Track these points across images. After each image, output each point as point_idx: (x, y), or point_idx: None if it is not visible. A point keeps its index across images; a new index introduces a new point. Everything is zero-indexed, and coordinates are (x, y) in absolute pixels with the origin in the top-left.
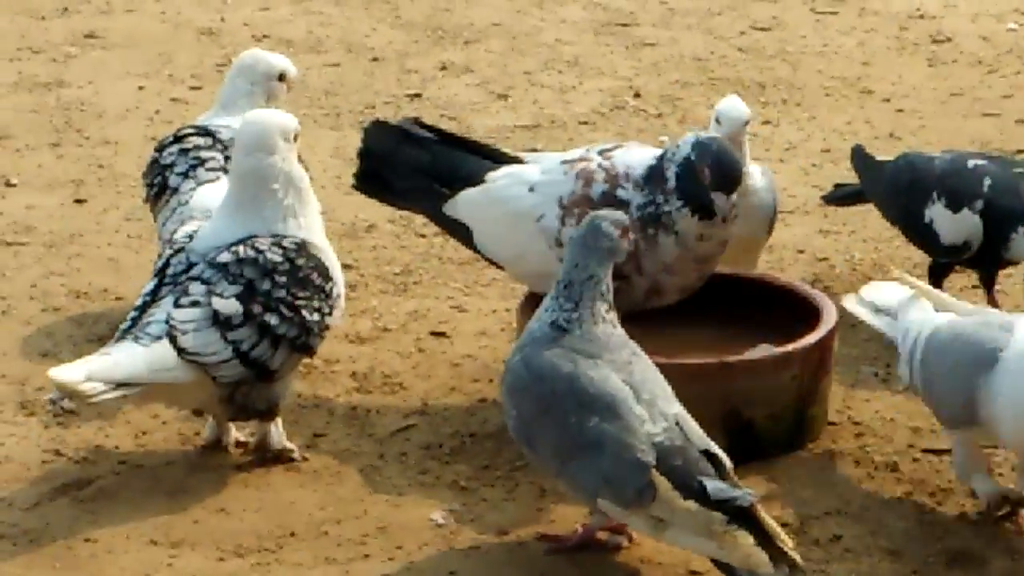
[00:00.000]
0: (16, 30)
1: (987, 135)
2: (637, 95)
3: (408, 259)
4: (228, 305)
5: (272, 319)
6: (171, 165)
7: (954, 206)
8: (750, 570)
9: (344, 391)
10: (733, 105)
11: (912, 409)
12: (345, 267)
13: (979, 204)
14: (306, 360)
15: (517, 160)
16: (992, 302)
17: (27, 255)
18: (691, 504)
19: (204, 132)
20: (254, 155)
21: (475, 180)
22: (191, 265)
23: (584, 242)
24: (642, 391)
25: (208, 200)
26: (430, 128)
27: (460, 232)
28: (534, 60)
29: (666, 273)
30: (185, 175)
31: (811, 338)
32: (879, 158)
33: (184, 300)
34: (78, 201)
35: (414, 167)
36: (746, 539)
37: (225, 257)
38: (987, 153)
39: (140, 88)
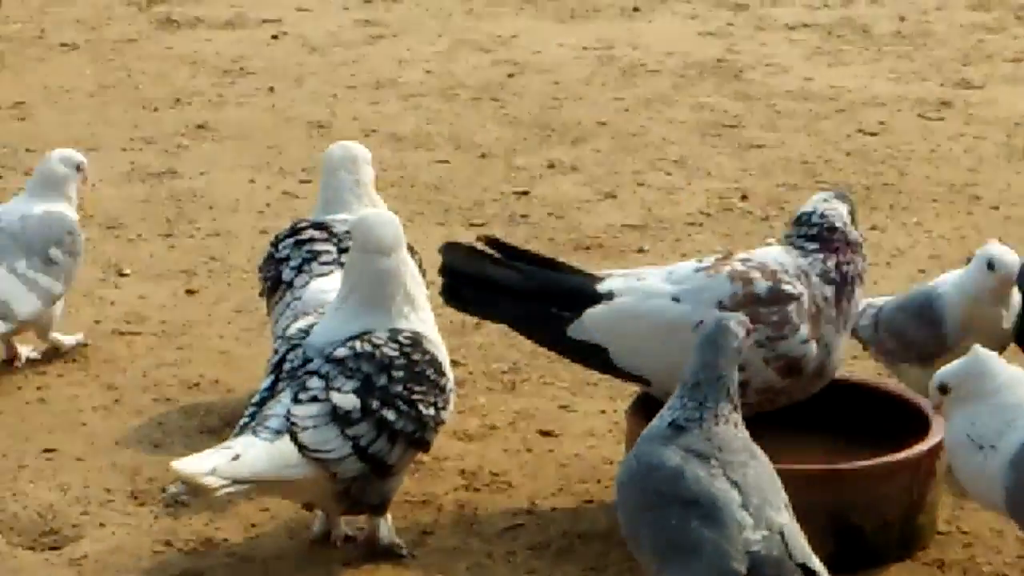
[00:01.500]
0: (129, 121)
1: None
2: (744, 197)
3: (516, 357)
4: (346, 400)
5: (390, 414)
6: (286, 259)
7: None
8: None
9: (452, 488)
10: (1006, 251)
11: None
12: (453, 364)
13: None
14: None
15: (595, 275)
16: None
17: (139, 345)
18: None
19: (319, 226)
20: (382, 257)
21: (586, 295)
22: (307, 360)
23: (715, 342)
24: (752, 495)
25: (321, 294)
26: (499, 245)
27: (587, 353)
28: (641, 160)
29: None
30: (299, 269)
31: (921, 447)
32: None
33: (303, 396)
34: (189, 292)
35: (508, 288)
36: None
37: (342, 352)
38: None
39: (251, 181)
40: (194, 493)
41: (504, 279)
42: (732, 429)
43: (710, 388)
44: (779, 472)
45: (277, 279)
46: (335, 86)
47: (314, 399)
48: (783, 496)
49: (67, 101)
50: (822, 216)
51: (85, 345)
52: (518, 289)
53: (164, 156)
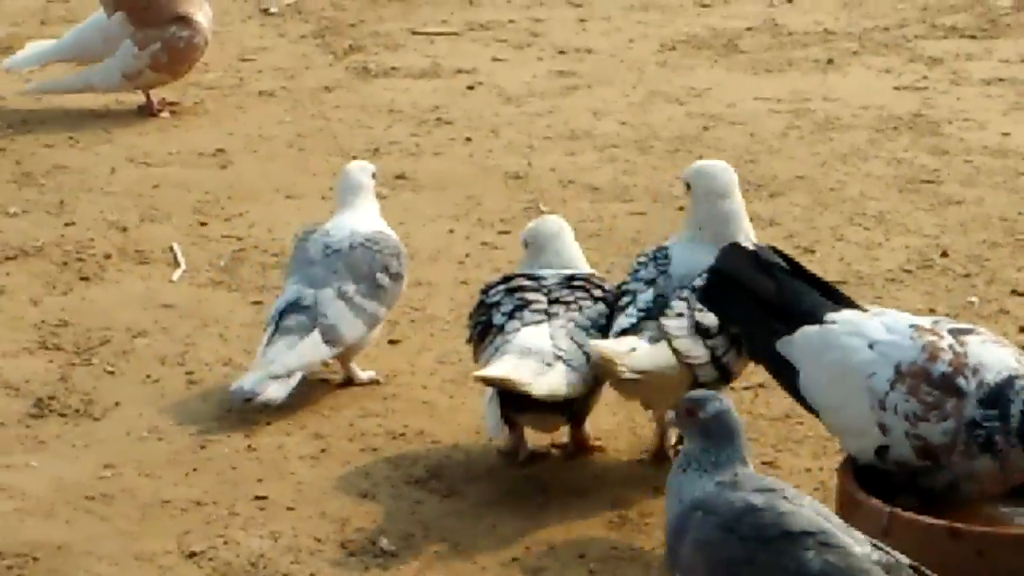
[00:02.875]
0: (328, 170)
1: None
2: (944, 254)
3: None
4: (707, 317)
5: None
6: (496, 304)
7: None
8: None
9: (660, 544)
10: None
11: None
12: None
13: None
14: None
15: (858, 307)
16: None
17: (344, 395)
18: None
19: (530, 276)
20: (724, 199)
21: (813, 318)
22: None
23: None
24: (830, 517)
25: (529, 342)
26: (784, 256)
27: (785, 371)
28: (839, 215)
29: (971, 482)
30: (510, 315)
31: None
32: None
33: (670, 312)
34: (392, 342)
35: (756, 293)
36: None
37: (700, 283)
38: None
39: (450, 231)
40: (608, 366)
41: (757, 286)
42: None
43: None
44: (980, 534)
45: (488, 324)
46: (531, 136)
47: (680, 315)
48: None
49: (267, 149)
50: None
51: (377, 383)
52: (763, 298)
53: None
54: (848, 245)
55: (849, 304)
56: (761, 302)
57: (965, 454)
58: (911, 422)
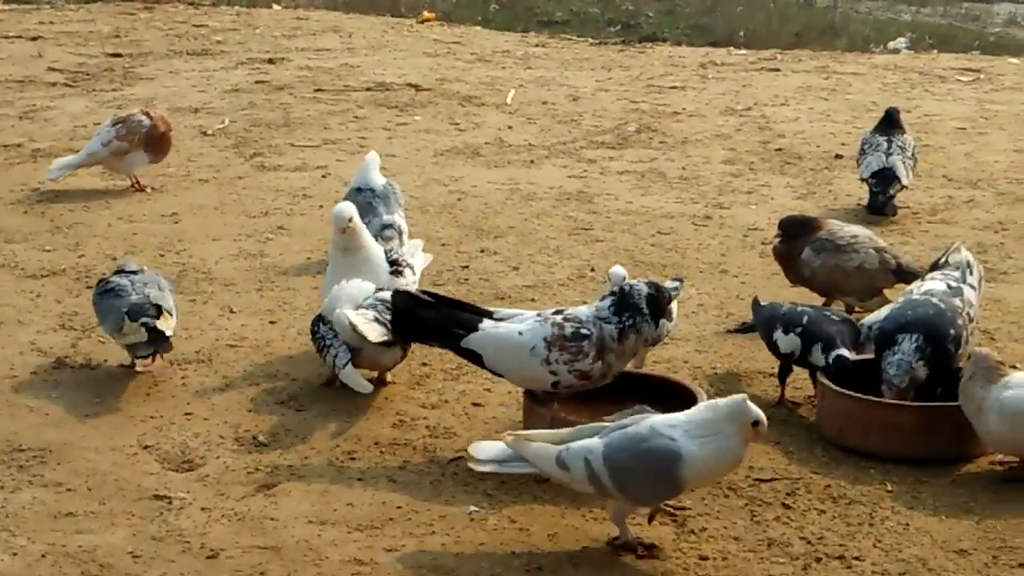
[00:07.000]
0: (238, 224)
1: None
2: (592, 270)
3: (461, 362)
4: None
5: None
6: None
7: (785, 331)
8: None
9: (422, 436)
10: (615, 271)
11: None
12: (425, 364)
13: (798, 330)
14: None
15: (487, 311)
16: (814, 387)
17: (241, 353)
18: None
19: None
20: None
21: (474, 326)
22: None
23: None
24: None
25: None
26: (430, 294)
27: (473, 357)
28: (534, 248)
29: (618, 359)
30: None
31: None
32: (762, 303)
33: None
34: (272, 322)
35: (430, 320)
36: None
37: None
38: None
39: (308, 258)
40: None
41: (427, 316)
42: None
43: None
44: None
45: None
46: None
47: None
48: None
49: (203, 213)
50: (625, 291)
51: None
52: (435, 320)
53: (258, 244)
54: (539, 266)
55: (480, 311)
56: (437, 325)
57: (622, 346)
58: (570, 364)
